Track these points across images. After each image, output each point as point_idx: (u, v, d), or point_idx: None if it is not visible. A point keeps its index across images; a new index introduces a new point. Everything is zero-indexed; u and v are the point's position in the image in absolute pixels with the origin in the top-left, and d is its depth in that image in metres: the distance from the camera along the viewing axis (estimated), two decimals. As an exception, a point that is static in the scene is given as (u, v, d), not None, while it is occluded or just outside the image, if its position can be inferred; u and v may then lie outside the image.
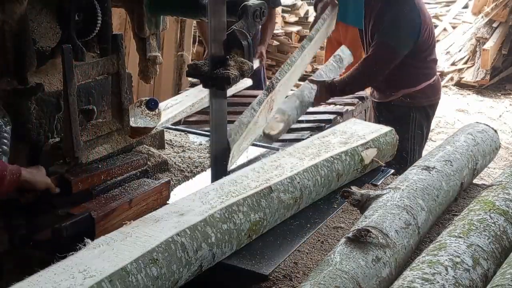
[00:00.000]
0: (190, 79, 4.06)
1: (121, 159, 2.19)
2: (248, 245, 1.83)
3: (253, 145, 2.71)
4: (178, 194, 2.18)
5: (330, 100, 3.47)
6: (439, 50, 7.79)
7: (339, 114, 3.40)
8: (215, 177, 2.18)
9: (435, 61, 3.42)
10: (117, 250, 1.50)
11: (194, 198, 1.80)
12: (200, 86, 2.53)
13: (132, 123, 2.33)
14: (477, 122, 2.39)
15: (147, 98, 2.42)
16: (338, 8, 3.31)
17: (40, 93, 2.07)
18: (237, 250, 1.79)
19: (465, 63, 7.76)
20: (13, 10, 1.95)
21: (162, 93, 5.16)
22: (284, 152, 2.18)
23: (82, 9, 2.18)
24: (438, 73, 3.59)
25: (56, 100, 2.13)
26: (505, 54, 7.70)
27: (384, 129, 2.43)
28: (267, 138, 2.85)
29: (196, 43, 6.19)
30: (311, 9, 7.76)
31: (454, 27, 8.13)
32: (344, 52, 3.60)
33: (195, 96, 3.43)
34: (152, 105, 2.38)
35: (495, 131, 2.34)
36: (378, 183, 2.29)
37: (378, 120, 3.52)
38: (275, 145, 2.80)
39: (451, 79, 7.66)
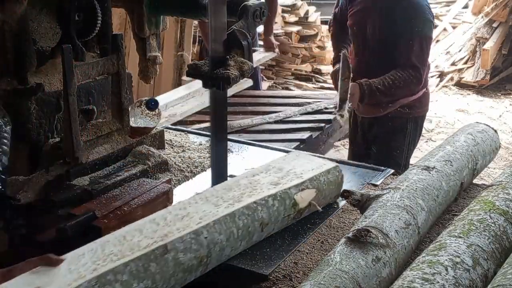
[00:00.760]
0: (189, 78, 4.06)
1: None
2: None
3: (253, 145, 2.71)
4: (178, 194, 2.18)
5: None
6: (439, 50, 7.81)
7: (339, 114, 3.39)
8: (215, 177, 2.18)
9: (429, 66, 3.37)
10: None
11: (63, 264, 1.47)
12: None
13: (132, 123, 2.34)
14: (477, 122, 2.38)
15: (147, 98, 2.42)
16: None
17: (40, 93, 2.07)
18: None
19: (465, 63, 7.76)
20: (13, 10, 1.95)
21: (162, 93, 5.16)
22: (198, 196, 1.82)
23: (82, 9, 2.18)
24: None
25: (56, 100, 2.13)
26: (505, 54, 7.71)
27: (327, 165, 2.06)
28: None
29: (196, 43, 6.19)
30: (311, 9, 7.76)
31: (454, 27, 8.13)
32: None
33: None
34: (152, 105, 2.39)
35: (495, 131, 2.34)
36: (378, 183, 2.28)
37: (363, 138, 3.43)
38: (275, 145, 2.79)
39: (451, 79, 7.66)
